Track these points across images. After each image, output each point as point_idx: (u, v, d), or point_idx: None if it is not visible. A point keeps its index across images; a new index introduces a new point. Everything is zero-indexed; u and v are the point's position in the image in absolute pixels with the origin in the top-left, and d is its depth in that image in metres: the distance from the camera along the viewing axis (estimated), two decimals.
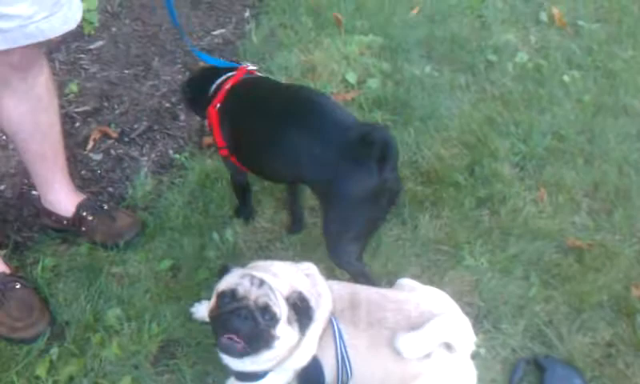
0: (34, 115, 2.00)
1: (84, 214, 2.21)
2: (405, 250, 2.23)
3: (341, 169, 1.79)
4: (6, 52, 1.77)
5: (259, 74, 2.22)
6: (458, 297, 2.09)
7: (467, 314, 1.74)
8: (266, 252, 2.24)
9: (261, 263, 1.69)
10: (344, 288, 1.71)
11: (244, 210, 2.34)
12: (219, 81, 2.11)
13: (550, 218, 2.38)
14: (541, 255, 2.24)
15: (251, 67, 2.20)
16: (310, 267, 1.71)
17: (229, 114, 2.05)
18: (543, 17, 3.46)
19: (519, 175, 2.54)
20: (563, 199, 2.44)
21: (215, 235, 2.26)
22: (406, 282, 1.85)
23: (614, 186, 2.50)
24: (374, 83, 2.96)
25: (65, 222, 2.24)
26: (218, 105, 2.07)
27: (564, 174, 2.53)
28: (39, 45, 1.85)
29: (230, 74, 2.13)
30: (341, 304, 1.64)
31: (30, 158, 2.12)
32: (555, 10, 3.47)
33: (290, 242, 2.27)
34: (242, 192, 2.30)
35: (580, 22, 3.42)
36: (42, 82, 1.97)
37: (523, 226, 2.33)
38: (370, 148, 1.74)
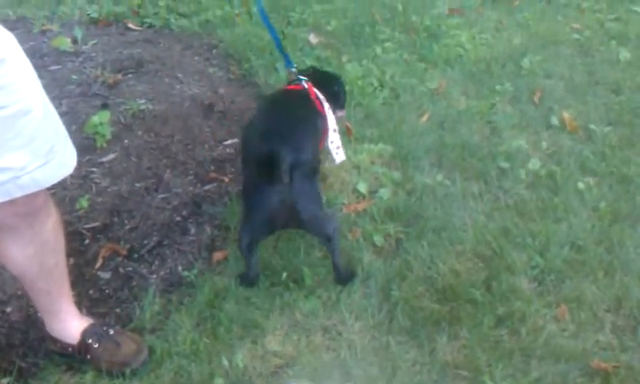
0: (40, 258, 1.95)
1: (89, 341, 2.14)
2: (422, 377, 2.13)
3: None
4: (10, 202, 1.71)
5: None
6: None
7: None
8: (276, 378, 2.15)
9: None
10: None
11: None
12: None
13: (573, 337, 2.28)
14: (565, 379, 2.13)
15: (301, 82, 2.74)
16: None
17: None
18: (554, 121, 3.45)
19: (538, 290, 2.45)
20: (585, 316, 2.35)
21: (224, 361, 2.18)
22: None
23: (637, 300, 2.40)
24: (385, 193, 2.93)
25: (70, 349, 2.17)
26: None
27: (585, 289, 2.44)
28: (45, 189, 1.82)
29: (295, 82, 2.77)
30: None
31: (35, 294, 2.07)
32: (566, 114, 3.46)
33: (302, 366, 2.18)
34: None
35: (591, 126, 3.40)
36: (49, 227, 1.93)
37: (545, 347, 2.22)
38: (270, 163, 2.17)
